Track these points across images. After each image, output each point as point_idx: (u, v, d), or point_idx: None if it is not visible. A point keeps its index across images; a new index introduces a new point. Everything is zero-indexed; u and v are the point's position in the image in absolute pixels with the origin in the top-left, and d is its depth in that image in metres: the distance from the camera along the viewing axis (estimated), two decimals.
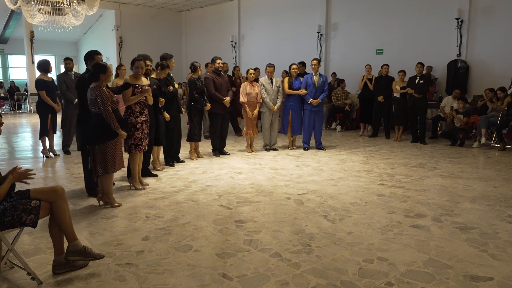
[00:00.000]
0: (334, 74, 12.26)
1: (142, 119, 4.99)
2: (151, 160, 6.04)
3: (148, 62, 5.40)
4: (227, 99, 7.06)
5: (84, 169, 4.85)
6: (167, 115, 5.94)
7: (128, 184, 5.24)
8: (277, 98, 7.69)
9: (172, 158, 6.50)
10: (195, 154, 7.11)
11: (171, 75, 6.42)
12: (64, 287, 2.73)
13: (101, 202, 4.45)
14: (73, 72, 7.49)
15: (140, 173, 5.27)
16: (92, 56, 4.80)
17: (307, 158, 7.16)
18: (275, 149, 7.94)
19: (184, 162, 6.73)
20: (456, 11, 10.02)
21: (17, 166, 2.80)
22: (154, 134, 5.62)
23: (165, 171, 6.11)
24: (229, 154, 7.43)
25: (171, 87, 6.09)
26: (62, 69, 7.69)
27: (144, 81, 5.15)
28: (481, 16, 9.89)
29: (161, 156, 6.48)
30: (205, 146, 8.02)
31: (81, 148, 4.88)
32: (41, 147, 7.32)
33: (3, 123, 3.03)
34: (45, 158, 7.17)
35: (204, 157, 7.17)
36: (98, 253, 2.99)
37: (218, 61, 7.16)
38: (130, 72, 5.13)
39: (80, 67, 21.52)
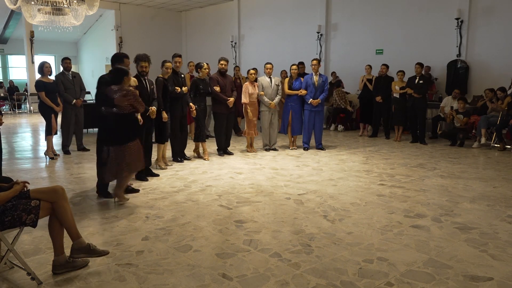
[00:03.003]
0: (334, 73, 12.25)
1: None
2: (155, 159, 6.07)
3: (143, 64, 5.25)
4: (231, 99, 7.06)
5: (98, 169, 4.77)
6: (165, 115, 5.82)
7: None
8: (276, 96, 7.66)
9: (179, 155, 6.65)
10: (198, 153, 7.15)
11: (183, 75, 6.43)
12: (64, 287, 2.73)
13: (116, 199, 4.51)
14: (70, 72, 7.49)
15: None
16: (121, 59, 4.75)
17: (307, 158, 7.16)
18: (275, 149, 7.93)
19: (190, 159, 6.87)
20: (456, 11, 10.02)
21: (24, 183, 2.84)
22: (158, 133, 5.67)
23: (166, 171, 6.11)
24: (233, 154, 7.44)
25: (179, 88, 6.07)
26: (60, 70, 7.68)
27: (132, 82, 4.99)
28: (481, 16, 9.89)
29: (168, 154, 6.59)
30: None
31: (97, 148, 4.73)
32: (41, 147, 7.31)
33: (3, 122, 3.05)
34: (48, 159, 7.09)
35: (204, 157, 7.17)
36: (102, 250, 3.02)
37: (222, 62, 7.14)
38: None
39: (80, 67, 21.53)
